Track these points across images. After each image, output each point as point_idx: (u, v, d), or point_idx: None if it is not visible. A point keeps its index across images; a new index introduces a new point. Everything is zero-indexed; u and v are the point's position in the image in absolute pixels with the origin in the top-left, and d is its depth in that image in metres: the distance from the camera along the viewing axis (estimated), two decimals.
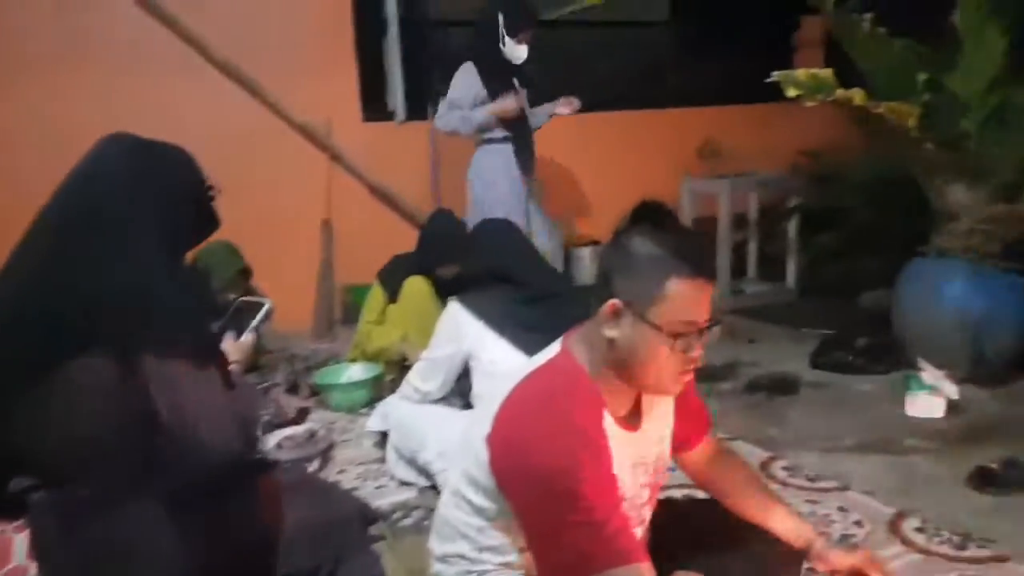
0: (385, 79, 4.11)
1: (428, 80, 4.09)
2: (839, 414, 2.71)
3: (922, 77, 2.74)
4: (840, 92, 2.61)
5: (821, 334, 3.39)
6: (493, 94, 3.29)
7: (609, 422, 1.29)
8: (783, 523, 1.54)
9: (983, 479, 2.15)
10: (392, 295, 3.00)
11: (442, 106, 3.35)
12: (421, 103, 4.09)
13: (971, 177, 2.92)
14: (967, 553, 1.79)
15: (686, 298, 1.21)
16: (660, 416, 1.43)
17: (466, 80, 3.30)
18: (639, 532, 1.42)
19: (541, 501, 1.23)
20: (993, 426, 2.53)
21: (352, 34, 3.99)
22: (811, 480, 2.21)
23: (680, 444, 1.52)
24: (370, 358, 3.03)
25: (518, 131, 3.38)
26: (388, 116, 4.14)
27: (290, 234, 3.91)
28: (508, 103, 3.28)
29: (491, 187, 3.36)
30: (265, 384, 2.97)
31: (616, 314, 1.24)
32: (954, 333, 2.85)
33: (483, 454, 1.29)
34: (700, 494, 1.66)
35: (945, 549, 1.82)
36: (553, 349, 1.35)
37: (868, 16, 2.78)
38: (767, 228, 4.43)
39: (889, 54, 2.87)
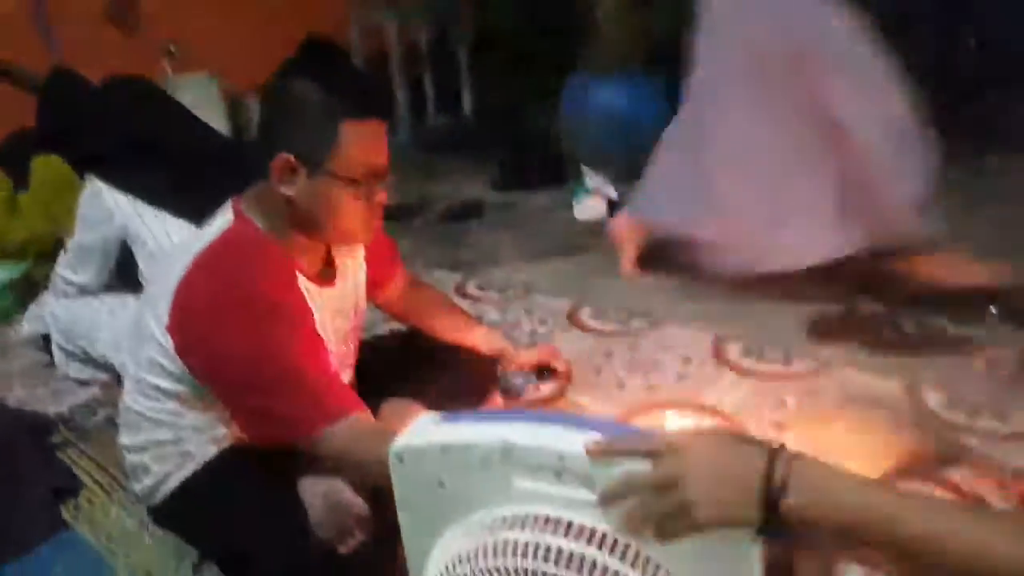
0: None
1: None
2: (521, 229, 2.91)
3: None
4: None
5: (499, 158, 3.55)
6: None
7: (303, 281, 1.24)
8: (476, 337, 1.64)
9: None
10: (18, 181, 2.54)
11: None
12: None
13: None
14: (631, 326, 2.06)
15: (361, 141, 1.16)
16: (353, 263, 1.41)
17: None
18: (347, 377, 1.43)
19: (244, 381, 1.16)
20: None
21: None
22: (501, 291, 2.38)
23: (374, 285, 1.52)
24: (11, 255, 2.59)
25: None
26: None
27: None
28: None
29: None
30: None
31: (289, 169, 1.15)
32: (608, 138, 3.13)
33: (166, 342, 1.18)
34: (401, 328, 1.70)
35: (613, 327, 2.08)
36: (224, 217, 1.23)
37: None
38: (440, 59, 4.41)
39: None
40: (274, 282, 1.19)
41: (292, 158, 1.14)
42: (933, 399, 1.60)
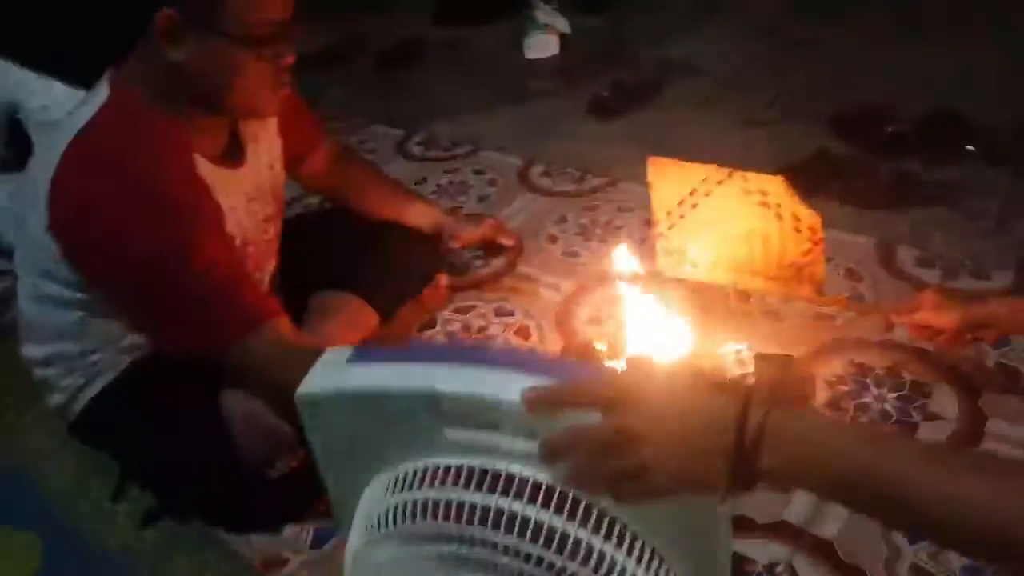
0: None
1: None
2: (467, 74, 2.65)
3: None
4: None
5: None
6: None
7: (205, 166, 1.06)
8: (414, 213, 1.50)
9: (597, 108, 2.25)
10: None
11: None
12: None
13: None
14: (587, 185, 1.90)
15: None
16: (265, 138, 1.22)
17: None
18: (270, 267, 1.29)
19: (141, 288, 1.02)
20: (603, 52, 2.63)
21: None
22: (446, 150, 2.17)
23: (294, 160, 1.34)
24: None
25: None
26: None
27: None
28: None
29: None
30: None
31: (174, 29, 0.95)
32: None
33: (51, 246, 1.01)
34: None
35: (567, 186, 1.91)
36: (100, 92, 1.03)
37: None
38: None
39: None
40: (168, 170, 1.02)
41: (176, 15, 0.94)
42: (907, 257, 1.50)
